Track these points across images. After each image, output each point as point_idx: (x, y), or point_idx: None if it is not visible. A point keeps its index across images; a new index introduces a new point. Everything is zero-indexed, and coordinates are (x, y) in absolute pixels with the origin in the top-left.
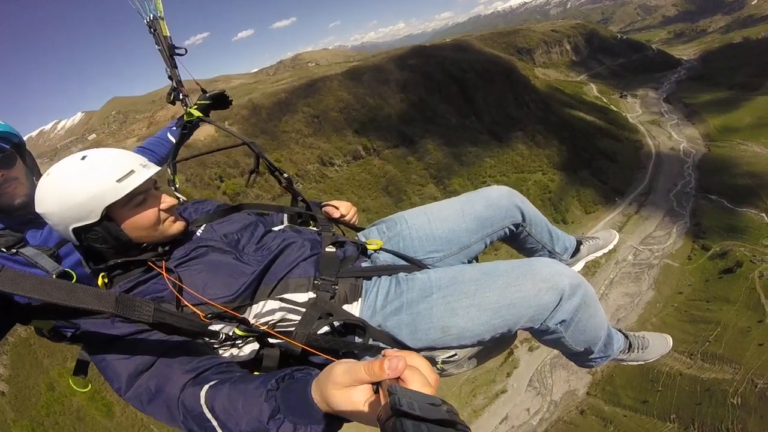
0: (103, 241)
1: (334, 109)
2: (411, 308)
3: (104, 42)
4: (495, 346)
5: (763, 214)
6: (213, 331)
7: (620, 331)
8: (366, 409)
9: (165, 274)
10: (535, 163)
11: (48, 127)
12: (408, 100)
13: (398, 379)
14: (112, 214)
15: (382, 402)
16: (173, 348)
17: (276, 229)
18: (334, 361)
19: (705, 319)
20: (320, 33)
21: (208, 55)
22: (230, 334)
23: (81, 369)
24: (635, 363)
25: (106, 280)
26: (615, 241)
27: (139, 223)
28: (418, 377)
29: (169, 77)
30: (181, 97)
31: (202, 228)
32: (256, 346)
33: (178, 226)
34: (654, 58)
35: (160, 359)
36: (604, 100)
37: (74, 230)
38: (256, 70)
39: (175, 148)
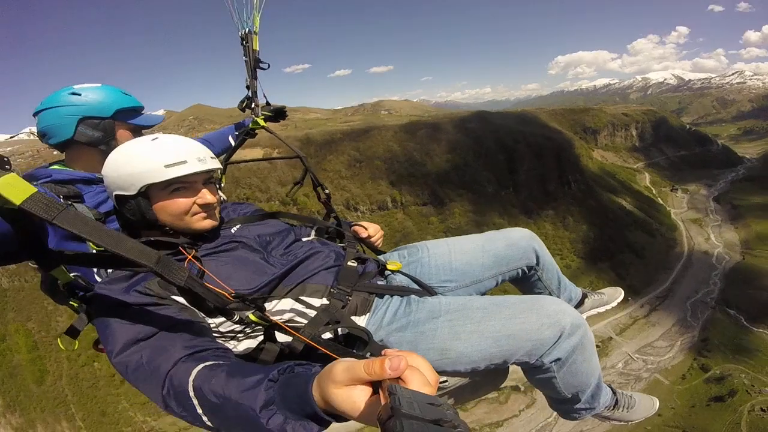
0: (133, 213)
1: (380, 157)
2: (416, 327)
3: (200, 49)
4: (485, 382)
5: None
6: (230, 310)
7: (609, 386)
8: (366, 408)
9: (191, 258)
10: (557, 245)
11: None
12: (452, 161)
13: (398, 378)
14: (150, 192)
15: (382, 402)
16: (177, 324)
17: (305, 239)
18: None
19: None
20: (412, 84)
21: (304, 85)
22: (244, 318)
23: (73, 333)
24: (619, 422)
25: None
26: (619, 299)
27: (168, 209)
28: (419, 377)
29: (247, 87)
30: (252, 106)
31: (237, 227)
32: (253, 343)
33: (206, 223)
34: (717, 153)
35: (162, 332)
36: (654, 191)
37: (116, 197)
38: (339, 107)
39: (232, 150)
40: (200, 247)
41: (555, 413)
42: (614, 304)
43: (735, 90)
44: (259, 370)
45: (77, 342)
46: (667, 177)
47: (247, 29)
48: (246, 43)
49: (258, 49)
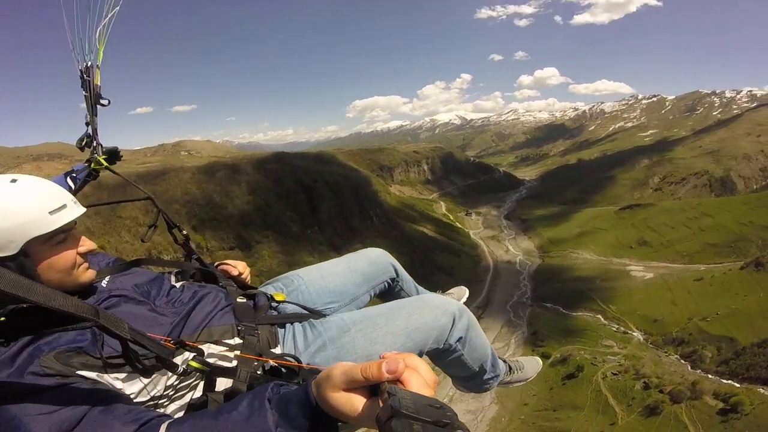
0: None
1: (178, 201)
2: (334, 343)
3: None
4: None
5: (599, 316)
6: (173, 363)
7: (499, 357)
8: (365, 410)
9: None
10: None
11: None
12: (254, 202)
13: (397, 380)
14: (29, 249)
15: (381, 403)
16: (100, 401)
17: (177, 284)
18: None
19: (554, 429)
20: (215, 125)
21: (101, 123)
22: (185, 367)
23: None
24: (519, 383)
25: None
26: (466, 296)
27: (55, 265)
28: (418, 378)
29: (86, 123)
30: (94, 144)
31: (106, 279)
32: (181, 403)
33: (90, 274)
34: (500, 179)
35: (89, 414)
36: (451, 217)
37: None
38: (138, 148)
39: (73, 193)
40: None
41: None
42: (464, 299)
43: (510, 125)
44: (240, 400)
45: None
46: (460, 203)
47: (89, 62)
48: (87, 77)
49: (100, 83)
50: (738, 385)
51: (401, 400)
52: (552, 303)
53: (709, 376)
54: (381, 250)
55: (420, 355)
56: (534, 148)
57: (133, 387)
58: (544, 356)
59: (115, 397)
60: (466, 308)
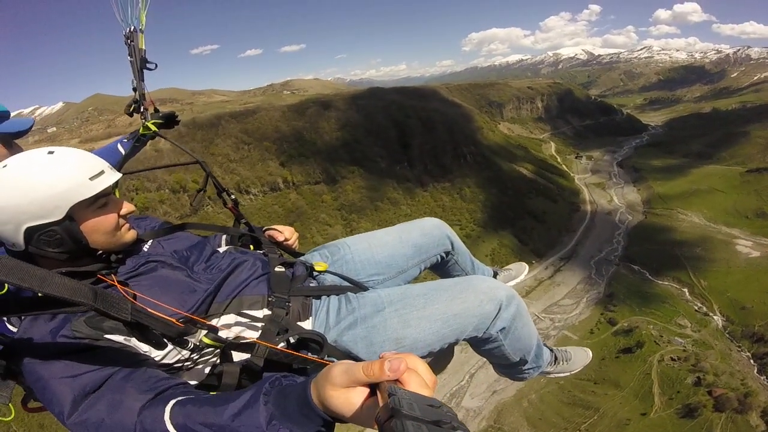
0: (59, 244)
1: (269, 138)
2: (366, 322)
3: (97, 34)
4: (436, 362)
5: (685, 289)
6: (183, 339)
7: (545, 345)
8: (364, 410)
9: (119, 286)
10: (455, 216)
11: (27, 111)
12: (343, 138)
13: (397, 380)
14: (74, 214)
15: (381, 403)
16: (123, 367)
17: (221, 249)
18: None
19: (585, 403)
20: (325, 63)
21: (213, 67)
22: (198, 343)
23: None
24: (561, 375)
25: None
26: (525, 273)
27: (99, 227)
28: (417, 379)
29: (134, 89)
30: (141, 110)
31: (149, 243)
32: (203, 370)
33: (132, 234)
34: (621, 122)
35: (111, 379)
36: (558, 159)
37: (27, 230)
38: (252, 88)
39: (123, 160)
40: (117, 271)
41: (467, 377)
42: (522, 277)
43: (642, 64)
44: (242, 392)
45: (12, 408)
46: (572, 145)
47: (132, 27)
48: (131, 42)
49: (144, 48)
50: None
51: (401, 400)
52: (640, 266)
53: None
54: (437, 220)
55: (455, 342)
56: (666, 91)
57: (159, 351)
58: (611, 322)
59: (139, 361)
60: (515, 295)
